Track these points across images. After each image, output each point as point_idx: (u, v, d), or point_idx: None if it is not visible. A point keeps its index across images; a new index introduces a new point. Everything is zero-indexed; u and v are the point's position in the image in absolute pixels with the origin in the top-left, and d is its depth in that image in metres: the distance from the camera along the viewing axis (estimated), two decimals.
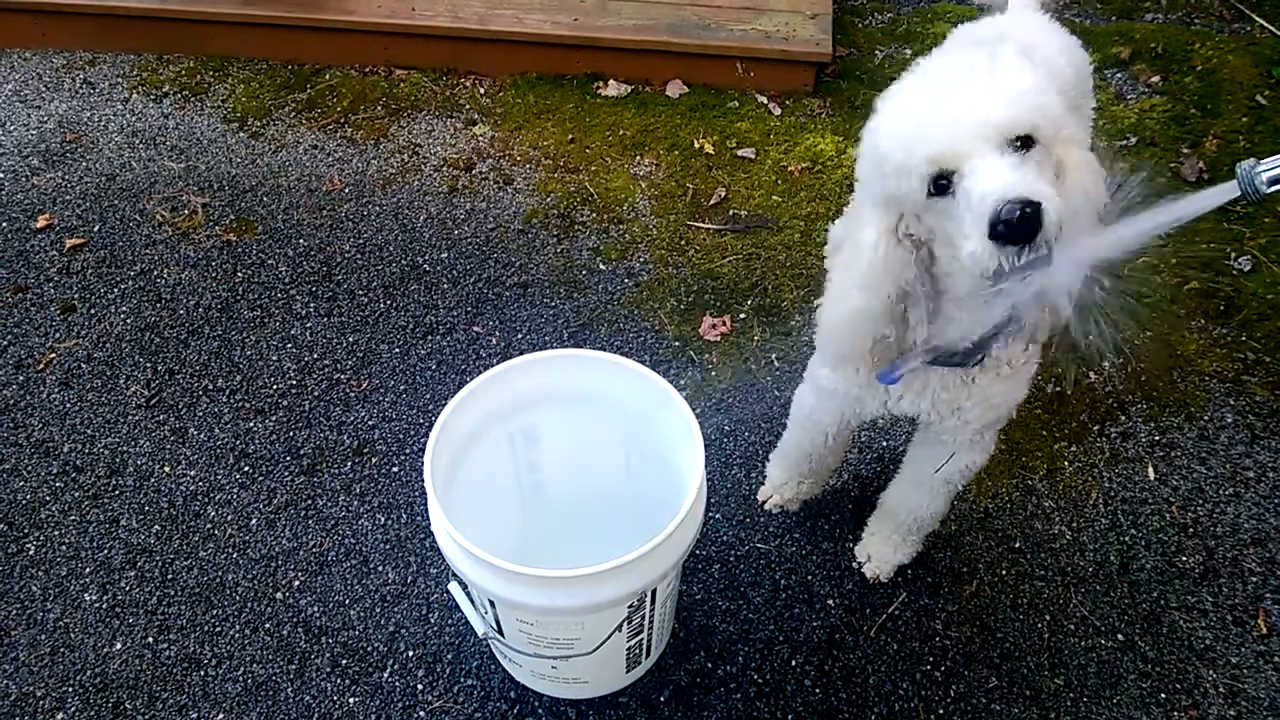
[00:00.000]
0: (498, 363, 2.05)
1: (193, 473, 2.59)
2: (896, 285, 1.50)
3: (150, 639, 2.28)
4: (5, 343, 2.89)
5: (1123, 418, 2.66)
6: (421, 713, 2.16)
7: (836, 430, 2.11)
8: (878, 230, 1.47)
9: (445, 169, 3.42)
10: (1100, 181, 1.41)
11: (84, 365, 2.84)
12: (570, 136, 3.53)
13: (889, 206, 1.45)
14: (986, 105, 1.30)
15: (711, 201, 3.28)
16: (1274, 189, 1.79)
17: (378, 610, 2.32)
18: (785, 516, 2.47)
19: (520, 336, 2.90)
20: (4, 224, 3.24)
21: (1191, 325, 2.86)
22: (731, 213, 3.24)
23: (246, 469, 2.60)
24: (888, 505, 2.28)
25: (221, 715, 2.16)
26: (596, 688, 2.15)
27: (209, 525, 2.48)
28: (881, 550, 2.33)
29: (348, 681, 2.21)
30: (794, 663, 2.22)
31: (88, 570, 2.41)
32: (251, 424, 2.69)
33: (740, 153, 3.45)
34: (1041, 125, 1.33)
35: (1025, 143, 1.32)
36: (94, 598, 2.36)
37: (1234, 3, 4.04)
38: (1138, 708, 2.15)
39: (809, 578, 2.37)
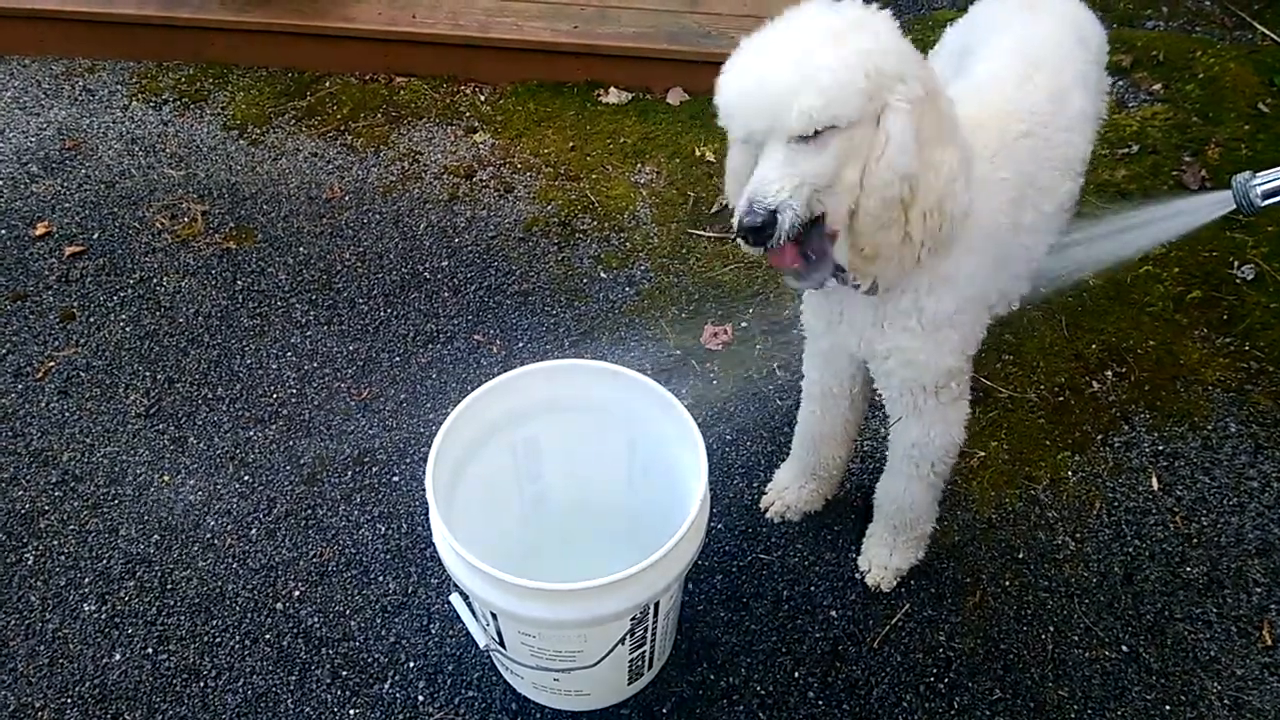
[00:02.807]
0: (499, 371, 2.05)
1: (192, 482, 2.58)
2: (735, 174, 1.75)
3: (149, 650, 2.27)
4: (4, 350, 2.88)
5: (1126, 427, 2.65)
6: None
7: (832, 383, 2.20)
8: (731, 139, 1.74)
9: (446, 177, 3.42)
10: (907, 150, 1.54)
11: (83, 373, 2.83)
12: (571, 144, 3.52)
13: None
14: (784, 106, 1.49)
15: (713, 209, 3.27)
16: (1269, 202, 1.79)
17: (378, 621, 2.31)
18: (788, 527, 2.46)
19: (521, 345, 2.89)
20: (3, 231, 3.23)
21: (1194, 335, 2.85)
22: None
23: (246, 478, 2.59)
24: (876, 501, 2.31)
25: None
26: (598, 700, 2.14)
27: (208, 535, 2.47)
28: (878, 553, 2.33)
29: (348, 693, 2.19)
30: (797, 674, 2.21)
31: (87, 580, 2.39)
32: (251, 433, 2.68)
33: None
34: (840, 115, 1.50)
35: (819, 130, 1.51)
36: (93, 608, 2.34)
37: (1235, 10, 4.04)
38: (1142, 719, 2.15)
39: (811, 589, 2.35)
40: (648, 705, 2.16)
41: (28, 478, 2.59)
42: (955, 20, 2.36)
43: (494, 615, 1.85)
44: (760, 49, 1.57)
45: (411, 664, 2.24)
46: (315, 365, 2.84)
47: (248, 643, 2.28)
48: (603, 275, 3.08)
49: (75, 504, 2.54)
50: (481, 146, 3.53)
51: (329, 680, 2.21)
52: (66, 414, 2.73)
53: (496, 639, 1.94)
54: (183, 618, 2.33)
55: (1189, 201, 2.13)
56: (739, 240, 1.58)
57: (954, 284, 1.80)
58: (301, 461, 2.62)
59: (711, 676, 2.21)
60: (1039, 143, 1.89)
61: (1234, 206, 1.83)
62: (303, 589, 2.37)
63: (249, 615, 2.33)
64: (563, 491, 2.29)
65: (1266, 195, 1.78)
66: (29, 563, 2.43)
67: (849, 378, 2.19)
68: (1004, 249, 1.87)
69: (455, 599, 2.01)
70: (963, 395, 2.02)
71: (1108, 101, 2.30)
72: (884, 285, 1.76)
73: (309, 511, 2.51)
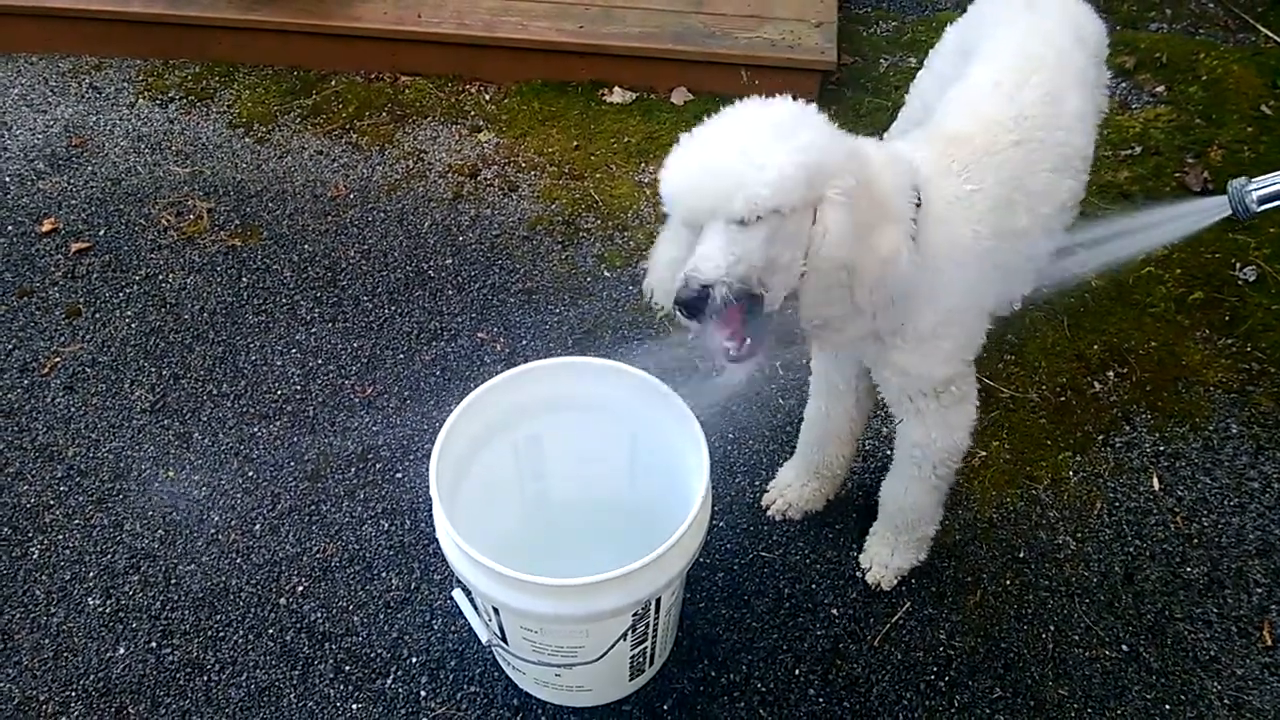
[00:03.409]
0: (502, 369, 2.06)
1: (197, 477, 2.59)
2: (665, 260, 1.85)
3: (153, 644, 2.28)
4: (10, 346, 2.89)
5: (1127, 428, 2.66)
6: (424, 719, 2.15)
7: (838, 379, 2.24)
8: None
9: (450, 175, 3.43)
10: (845, 242, 1.62)
11: (88, 369, 2.84)
12: (575, 143, 3.54)
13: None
14: (730, 193, 1.57)
15: None
16: (1264, 207, 1.80)
17: (381, 616, 2.32)
18: (789, 525, 2.47)
19: (524, 343, 2.90)
20: (9, 228, 3.24)
21: (1196, 336, 2.85)
22: None
23: (250, 474, 2.60)
24: (880, 501, 2.32)
25: None
26: (600, 696, 2.15)
27: (212, 530, 2.48)
28: (879, 551, 2.34)
29: (351, 688, 2.20)
30: (798, 672, 2.22)
31: (91, 575, 2.41)
32: (256, 429, 2.69)
33: None
34: (783, 204, 1.58)
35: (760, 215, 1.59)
36: (97, 602, 2.36)
37: (1239, 13, 4.05)
38: (1142, 719, 2.15)
39: (813, 586, 2.36)
40: (649, 702, 2.17)
41: (33, 472, 2.61)
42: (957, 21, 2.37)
43: (496, 610, 1.86)
44: (707, 140, 1.66)
45: (414, 659, 2.25)
46: (319, 362, 2.86)
47: (251, 637, 2.29)
48: (606, 274, 3.09)
49: (80, 499, 2.55)
50: (486, 145, 3.54)
51: (332, 675, 2.23)
52: (72, 409, 2.75)
53: (499, 634, 1.95)
54: (186, 612, 2.34)
55: (1185, 206, 2.14)
56: (677, 314, 1.65)
57: (932, 299, 1.84)
58: (305, 458, 2.63)
59: (713, 673, 2.22)
60: (1032, 147, 1.92)
61: (1230, 212, 1.84)
62: (306, 584, 2.38)
63: (252, 610, 2.34)
64: (565, 488, 2.30)
65: (1262, 200, 1.79)
66: (34, 557, 2.44)
67: (854, 376, 2.21)
68: (992, 257, 1.88)
69: (458, 594, 2.02)
70: (966, 399, 2.03)
71: (1109, 99, 2.31)
72: (834, 348, 1.96)
73: (312, 507, 2.52)
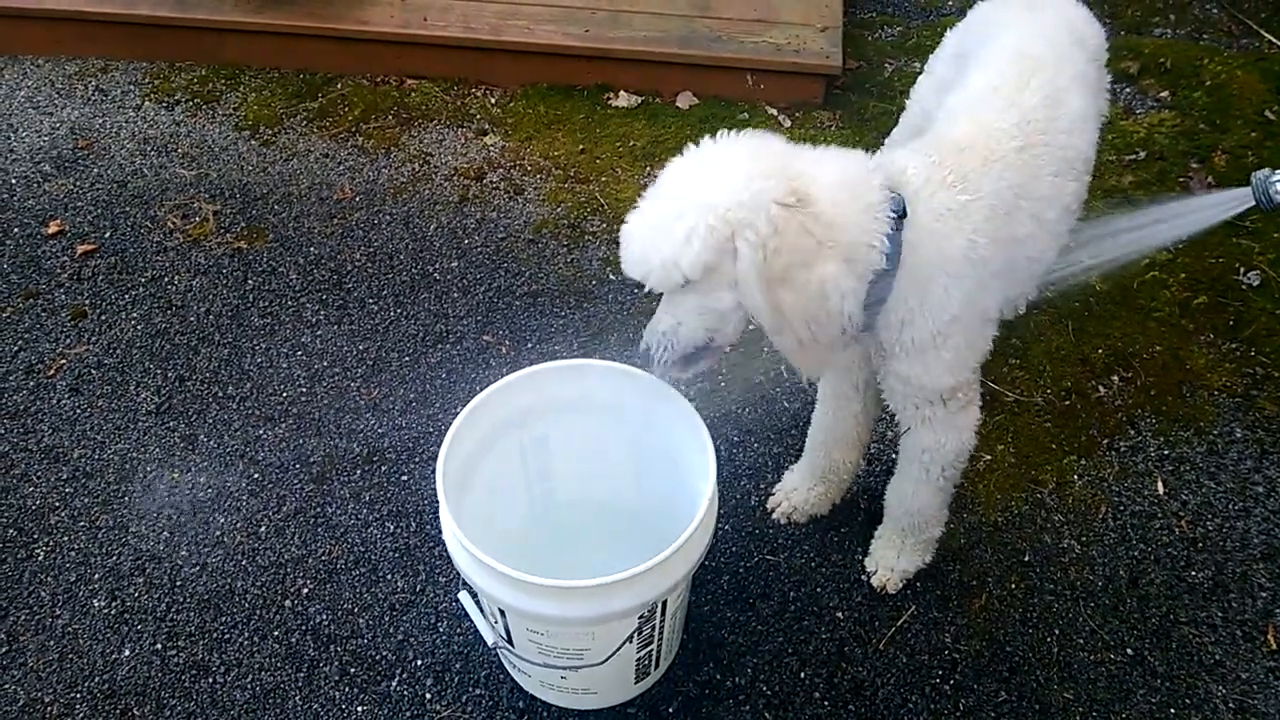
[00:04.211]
0: (507, 372, 2.06)
1: (202, 479, 2.60)
2: None
3: (159, 646, 2.29)
4: (16, 348, 2.90)
5: (1132, 432, 2.66)
6: None
7: (845, 385, 2.27)
8: None
9: (456, 178, 3.44)
10: (750, 289, 1.68)
11: (94, 371, 2.85)
12: (581, 147, 3.54)
13: None
14: (646, 273, 1.72)
15: None
16: None
17: (386, 619, 2.32)
18: (794, 528, 2.47)
19: (530, 346, 2.91)
20: (16, 230, 3.25)
21: (1200, 340, 2.85)
22: None
23: (255, 476, 2.60)
24: (886, 504, 2.32)
25: None
26: (605, 698, 2.15)
27: (218, 532, 2.49)
28: (885, 554, 2.34)
29: (356, 690, 2.21)
30: (803, 675, 2.22)
31: (96, 576, 2.41)
32: (261, 431, 2.70)
33: None
34: (688, 274, 1.68)
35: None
36: (103, 604, 2.36)
37: (1243, 18, 4.05)
38: None
39: (818, 590, 2.36)
40: (654, 704, 2.17)
41: (38, 474, 2.61)
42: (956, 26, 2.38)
43: (502, 612, 1.87)
44: (638, 217, 1.76)
45: (419, 662, 2.25)
46: (325, 364, 2.86)
47: (256, 639, 2.29)
48: (611, 277, 3.09)
49: (85, 500, 2.56)
50: (492, 149, 3.55)
51: (337, 677, 2.23)
52: (77, 411, 2.75)
53: (504, 637, 1.95)
54: (192, 614, 2.34)
55: (1208, 198, 2.15)
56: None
57: (926, 311, 1.84)
58: (311, 460, 2.63)
59: (718, 676, 2.22)
60: (1036, 152, 1.90)
61: (1253, 203, 1.84)
62: (311, 586, 2.38)
63: (258, 612, 2.34)
64: (571, 490, 2.30)
65: None
66: (39, 558, 2.44)
67: (862, 381, 2.21)
68: (991, 265, 1.86)
69: (464, 596, 2.02)
70: (971, 402, 2.03)
71: (1110, 102, 2.31)
72: (805, 374, 2.00)
73: (318, 510, 2.53)
